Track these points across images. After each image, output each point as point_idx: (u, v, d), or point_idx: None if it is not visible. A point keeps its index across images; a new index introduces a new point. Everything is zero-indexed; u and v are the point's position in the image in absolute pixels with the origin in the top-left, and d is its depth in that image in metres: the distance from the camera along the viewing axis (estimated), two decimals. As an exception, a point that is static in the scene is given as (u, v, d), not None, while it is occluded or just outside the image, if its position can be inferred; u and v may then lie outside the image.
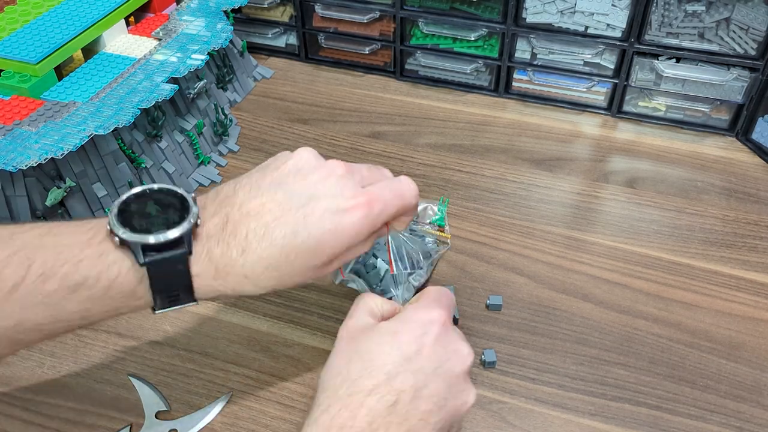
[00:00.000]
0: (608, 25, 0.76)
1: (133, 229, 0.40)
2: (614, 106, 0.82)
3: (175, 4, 0.81)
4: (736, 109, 0.78)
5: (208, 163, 0.74)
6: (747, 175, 0.74)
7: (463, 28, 0.82)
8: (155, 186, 0.43)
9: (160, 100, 0.64)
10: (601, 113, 0.83)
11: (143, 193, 0.43)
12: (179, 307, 0.43)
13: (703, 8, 0.72)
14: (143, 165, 0.66)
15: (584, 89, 0.82)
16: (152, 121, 0.67)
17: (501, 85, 0.85)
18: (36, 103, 0.63)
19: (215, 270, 0.41)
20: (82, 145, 0.58)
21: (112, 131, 0.60)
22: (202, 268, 0.41)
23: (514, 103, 0.85)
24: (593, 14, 0.76)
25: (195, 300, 0.42)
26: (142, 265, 0.39)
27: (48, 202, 0.58)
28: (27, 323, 0.39)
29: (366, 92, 0.87)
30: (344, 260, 0.45)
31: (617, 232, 0.67)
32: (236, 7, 0.82)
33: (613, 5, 0.75)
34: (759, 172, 0.75)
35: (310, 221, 0.41)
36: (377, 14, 0.84)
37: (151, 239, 0.39)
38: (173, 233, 0.40)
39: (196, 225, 0.41)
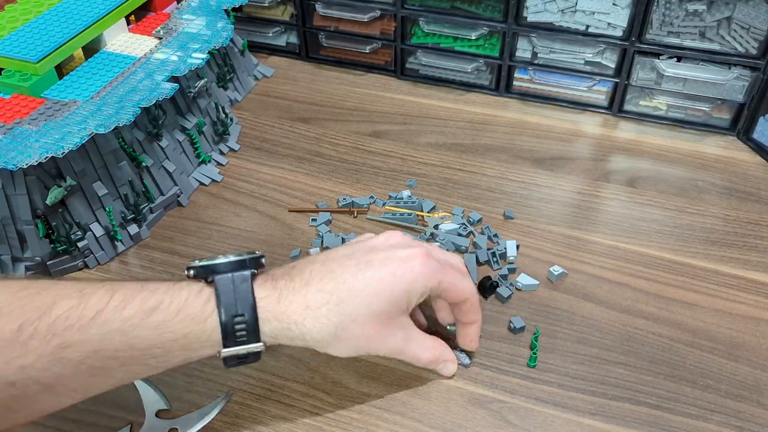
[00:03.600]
0: (609, 24, 0.76)
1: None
2: (615, 106, 0.82)
3: (175, 2, 0.81)
4: (737, 109, 0.77)
5: (209, 161, 0.74)
6: (748, 174, 0.74)
7: (464, 27, 0.82)
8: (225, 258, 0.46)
9: (160, 99, 0.64)
10: (602, 112, 0.83)
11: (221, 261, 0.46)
12: (245, 348, 0.44)
13: (704, 7, 0.72)
14: (144, 164, 0.66)
15: (585, 88, 0.82)
16: (153, 119, 0.67)
17: (502, 84, 0.85)
18: (36, 102, 0.63)
19: (278, 295, 0.44)
20: (83, 144, 0.58)
21: (113, 130, 0.60)
22: (266, 292, 0.44)
23: (514, 102, 0.85)
24: (594, 13, 0.76)
25: (260, 340, 0.44)
26: (209, 281, 0.43)
27: (48, 201, 0.58)
28: (105, 351, 0.40)
29: (367, 91, 0.87)
30: (406, 318, 0.48)
31: (618, 232, 0.67)
32: (237, 6, 0.82)
33: (614, 4, 0.75)
34: (760, 171, 0.74)
35: (371, 264, 0.46)
36: (378, 13, 0.84)
37: (219, 259, 0.44)
38: (238, 257, 0.45)
39: (260, 259, 0.46)
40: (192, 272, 0.44)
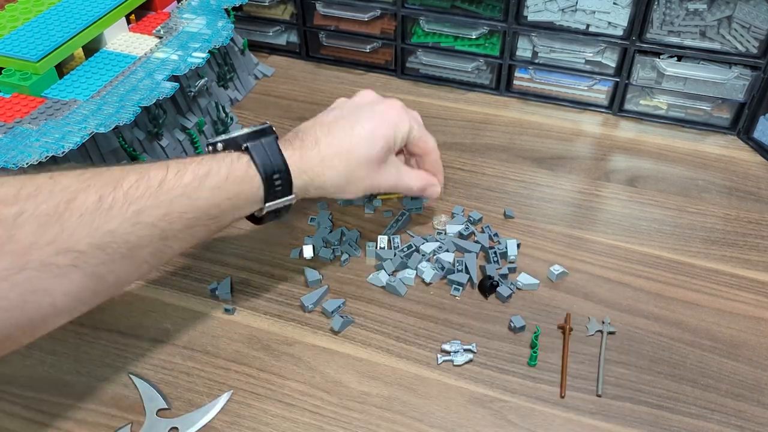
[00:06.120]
0: (610, 23, 0.76)
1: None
2: (615, 105, 0.82)
3: (176, 2, 0.81)
4: (738, 108, 0.77)
5: (209, 161, 0.74)
6: (748, 173, 0.74)
7: (464, 26, 0.82)
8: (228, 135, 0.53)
9: (161, 99, 0.64)
10: (603, 112, 0.83)
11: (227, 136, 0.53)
12: (282, 201, 0.52)
13: (705, 6, 0.72)
14: (144, 163, 0.66)
15: (585, 88, 0.82)
16: (153, 119, 0.67)
17: (502, 84, 0.85)
18: (37, 101, 0.63)
19: (300, 153, 0.53)
20: (83, 143, 0.58)
21: (113, 129, 0.60)
22: (289, 152, 0.53)
23: (515, 101, 0.85)
24: (595, 12, 0.76)
25: (292, 193, 0.52)
26: (244, 149, 0.51)
27: (49, 200, 0.58)
28: (174, 213, 0.46)
29: (367, 90, 0.87)
30: (394, 159, 0.59)
31: (618, 231, 0.67)
32: (237, 5, 0.82)
33: (614, 3, 0.75)
34: (760, 170, 0.74)
35: (361, 120, 0.56)
36: (378, 12, 0.84)
37: (245, 129, 0.53)
38: (256, 127, 0.53)
39: (272, 129, 0.53)
40: (220, 145, 0.52)
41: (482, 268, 0.62)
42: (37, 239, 0.40)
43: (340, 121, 0.56)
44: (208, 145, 0.53)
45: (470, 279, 0.61)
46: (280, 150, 0.52)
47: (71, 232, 0.41)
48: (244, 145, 0.51)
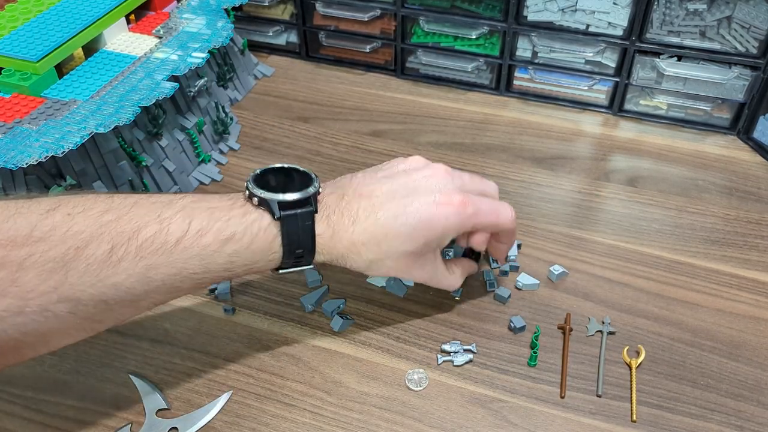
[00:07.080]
0: (609, 23, 0.76)
1: (269, 190, 0.47)
2: (615, 105, 0.82)
3: (175, 2, 0.80)
4: (738, 108, 0.77)
5: (209, 161, 0.74)
6: (748, 173, 0.74)
7: (464, 26, 0.82)
8: (278, 165, 0.51)
9: (160, 99, 0.64)
10: (603, 112, 0.83)
11: (272, 168, 0.51)
12: (299, 269, 0.50)
13: (705, 6, 0.72)
14: (144, 163, 0.66)
15: (585, 88, 0.82)
16: (153, 119, 0.67)
17: (502, 84, 0.85)
18: (36, 102, 0.63)
19: (332, 232, 0.49)
20: (83, 144, 0.58)
21: (113, 129, 0.60)
22: (322, 228, 0.49)
23: (515, 101, 0.85)
24: (594, 12, 0.76)
25: (312, 263, 0.50)
26: (277, 218, 0.47)
27: (48, 201, 0.58)
28: (185, 272, 0.45)
29: (367, 90, 0.87)
30: (435, 254, 0.54)
31: (618, 231, 0.67)
32: (237, 5, 0.82)
33: (614, 3, 0.75)
34: (760, 170, 0.74)
35: (409, 210, 0.50)
36: (378, 12, 0.84)
37: (287, 196, 0.47)
38: (303, 193, 0.48)
39: (318, 192, 0.49)
40: (256, 199, 0.47)
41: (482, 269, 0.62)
42: (39, 285, 0.40)
43: (387, 203, 0.50)
44: (246, 189, 0.48)
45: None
46: (313, 229, 0.48)
47: (75, 281, 0.41)
48: (278, 215, 0.47)
